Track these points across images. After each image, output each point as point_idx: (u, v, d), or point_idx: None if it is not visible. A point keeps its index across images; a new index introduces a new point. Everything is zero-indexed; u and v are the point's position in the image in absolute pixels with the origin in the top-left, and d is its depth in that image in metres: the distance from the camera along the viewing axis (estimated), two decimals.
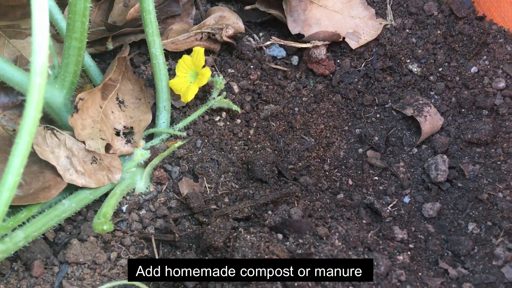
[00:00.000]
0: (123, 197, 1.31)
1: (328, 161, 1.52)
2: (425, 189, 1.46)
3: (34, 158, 1.20)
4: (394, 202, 1.43)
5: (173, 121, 1.48)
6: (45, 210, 1.20)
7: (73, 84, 1.27)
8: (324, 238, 1.15)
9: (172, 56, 1.59)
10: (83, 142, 1.26)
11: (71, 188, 1.24)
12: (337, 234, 1.18)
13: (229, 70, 1.59)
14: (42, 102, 0.82)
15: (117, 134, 1.37)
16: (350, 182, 1.48)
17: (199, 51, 1.41)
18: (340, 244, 1.14)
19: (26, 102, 0.83)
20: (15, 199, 0.98)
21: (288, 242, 1.14)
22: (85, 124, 1.28)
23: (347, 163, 1.52)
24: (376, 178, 1.49)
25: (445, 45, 1.60)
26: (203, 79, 1.38)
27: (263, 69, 1.62)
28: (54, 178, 1.20)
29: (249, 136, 1.51)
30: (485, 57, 1.57)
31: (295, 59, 1.67)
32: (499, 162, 1.44)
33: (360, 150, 1.54)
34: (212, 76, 1.48)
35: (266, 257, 1.08)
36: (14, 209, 1.16)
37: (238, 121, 1.52)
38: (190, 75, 1.45)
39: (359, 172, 1.50)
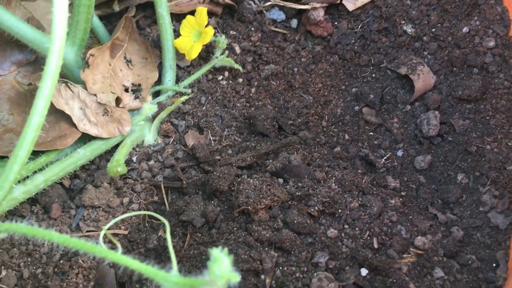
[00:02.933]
0: (133, 148, 1.39)
1: (326, 118, 1.59)
2: (417, 143, 1.53)
3: (50, 109, 1.26)
4: (388, 155, 1.50)
5: (178, 80, 1.55)
6: (61, 158, 1.28)
7: (83, 41, 1.34)
8: (322, 182, 1.24)
9: (176, 18, 1.64)
10: (95, 95, 1.33)
11: (85, 139, 1.32)
12: (334, 178, 1.27)
13: (231, 32, 1.65)
14: (63, 50, 0.90)
15: (126, 90, 1.44)
16: (347, 137, 1.55)
17: (202, 11, 1.47)
18: (336, 187, 1.23)
19: (49, 51, 0.90)
20: (35, 145, 1.06)
21: (288, 186, 1.22)
22: (96, 79, 1.35)
23: (343, 119, 1.59)
24: (371, 133, 1.56)
25: (438, 7, 1.66)
26: (207, 37, 1.45)
27: (263, 31, 1.68)
28: (69, 127, 1.28)
29: (251, 94, 1.58)
30: (476, 17, 1.63)
31: (294, 22, 1.73)
32: (487, 117, 1.51)
33: (356, 108, 1.61)
34: (215, 36, 1.55)
35: (268, 198, 1.16)
36: (34, 154, 1.23)
37: (240, 80, 1.59)
38: (194, 35, 1.51)
39: (355, 128, 1.57)
